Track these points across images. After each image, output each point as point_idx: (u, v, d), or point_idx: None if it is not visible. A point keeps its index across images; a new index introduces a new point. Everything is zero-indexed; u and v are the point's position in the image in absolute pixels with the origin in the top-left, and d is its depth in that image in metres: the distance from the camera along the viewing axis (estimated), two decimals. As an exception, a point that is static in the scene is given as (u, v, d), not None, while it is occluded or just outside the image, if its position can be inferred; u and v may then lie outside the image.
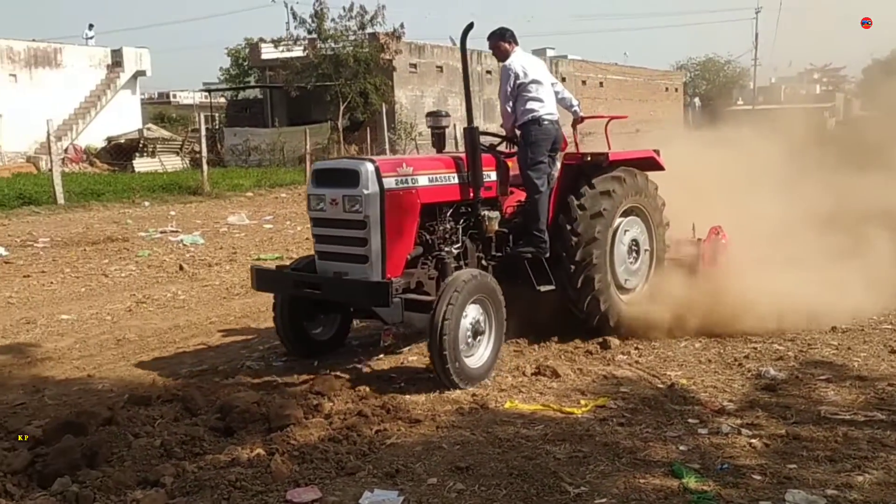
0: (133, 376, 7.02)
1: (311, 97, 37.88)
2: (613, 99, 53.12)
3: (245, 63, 48.49)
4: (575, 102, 7.93)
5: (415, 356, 7.28)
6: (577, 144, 7.90)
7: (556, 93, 7.63)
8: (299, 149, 30.66)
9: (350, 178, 6.38)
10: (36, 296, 10.54)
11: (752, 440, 5.17)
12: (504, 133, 7.69)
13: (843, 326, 7.81)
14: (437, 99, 37.50)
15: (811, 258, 8.54)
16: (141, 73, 39.30)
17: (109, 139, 35.38)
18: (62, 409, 6.08)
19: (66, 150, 32.67)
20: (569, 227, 7.30)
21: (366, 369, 6.98)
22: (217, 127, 41.98)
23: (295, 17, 36.89)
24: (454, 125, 28.06)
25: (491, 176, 7.23)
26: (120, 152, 34.47)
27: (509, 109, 7.38)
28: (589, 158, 7.55)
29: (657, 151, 8.08)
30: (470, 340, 6.39)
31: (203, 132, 26.13)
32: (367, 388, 6.29)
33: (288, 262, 8.43)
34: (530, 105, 7.29)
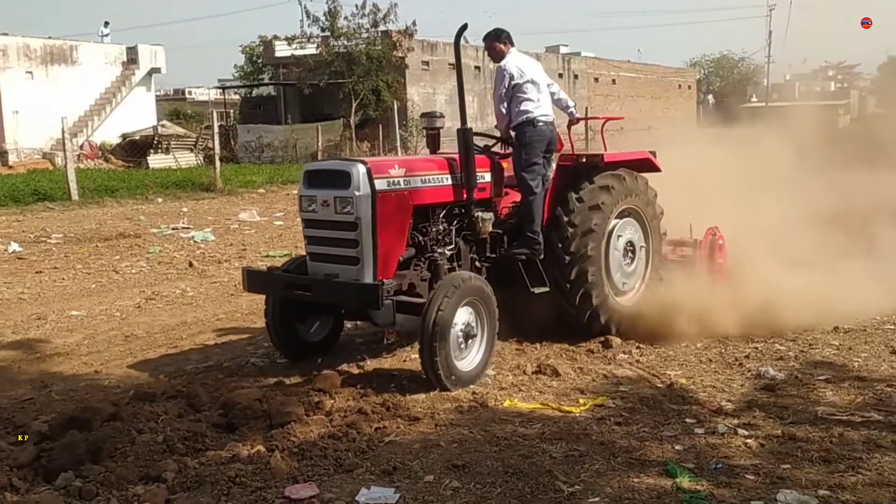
0: (139, 372, 7.11)
1: (323, 94, 38.01)
2: (626, 96, 52.91)
3: (259, 60, 48.71)
4: (571, 104, 7.92)
5: (417, 354, 7.31)
6: (572, 145, 7.89)
7: (552, 94, 7.62)
8: (312, 145, 30.83)
9: (341, 179, 6.35)
10: (47, 292, 10.66)
11: (748, 440, 5.21)
12: (498, 134, 7.68)
13: (846, 326, 7.81)
14: (449, 96, 37.47)
15: (812, 258, 8.55)
16: (156, 70, 39.46)
17: (124, 136, 35.56)
18: (68, 404, 6.15)
19: (81, 147, 32.86)
20: (566, 219, 7.26)
21: (368, 367, 7.02)
22: (231, 124, 42.15)
23: (308, 16, 37.13)
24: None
25: (485, 177, 7.21)
26: (134, 149, 34.63)
27: (504, 110, 7.36)
28: (584, 160, 7.52)
29: (654, 153, 8.05)
30: (461, 343, 6.36)
31: (216, 129, 26.26)
32: (369, 386, 6.36)
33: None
34: (525, 106, 7.27)
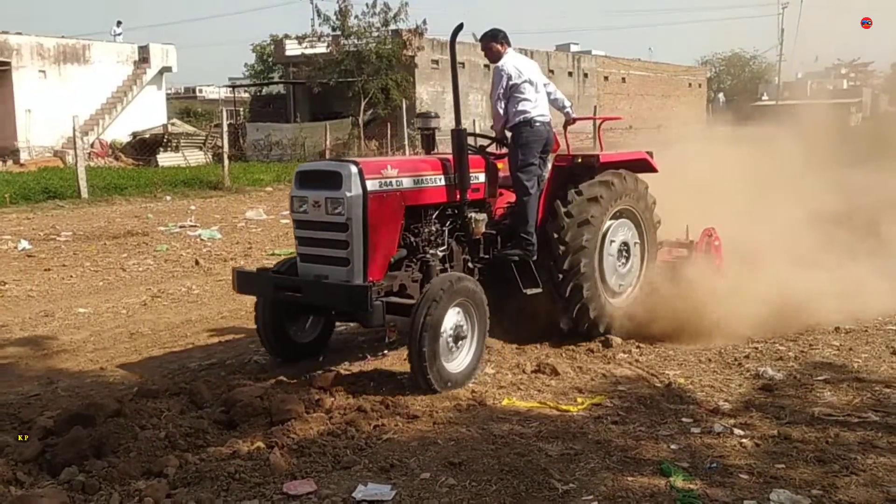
0: (144, 369, 7.17)
1: (333, 93, 38.08)
2: (636, 95, 52.82)
3: (270, 59, 48.83)
4: (567, 104, 7.90)
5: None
6: (568, 146, 7.84)
7: (549, 94, 7.60)
8: (320, 144, 30.90)
9: (333, 180, 6.32)
10: (55, 289, 10.76)
11: (744, 440, 5.24)
12: (494, 134, 7.65)
13: (847, 327, 7.83)
14: (458, 95, 37.50)
15: (819, 257, 8.55)
16: (167, 69, 39.64)
17: (134, 134, 35.73)
18: (74, 400, 6.23)
19: (91, 145, 33.05)
20: (556, 236, 7.25)
21: (369, 365, 7.08)
22: (240, 122, 42.29)
23: (319, 14, 37.24)
24: (473, 121, 28.15)
25: (479, 177, 7.18)
26: (144, 147, 34.79)
27: (501, 111, 7.33)
28: (580, 160, 7.50)
29: (650, 153, 8.02)
30: (451, 345, 6.32)
31: (225, 127, 26.35)
32: (369, 384, 6.42)
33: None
34: (522, 106, 7.25)
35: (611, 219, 7.62)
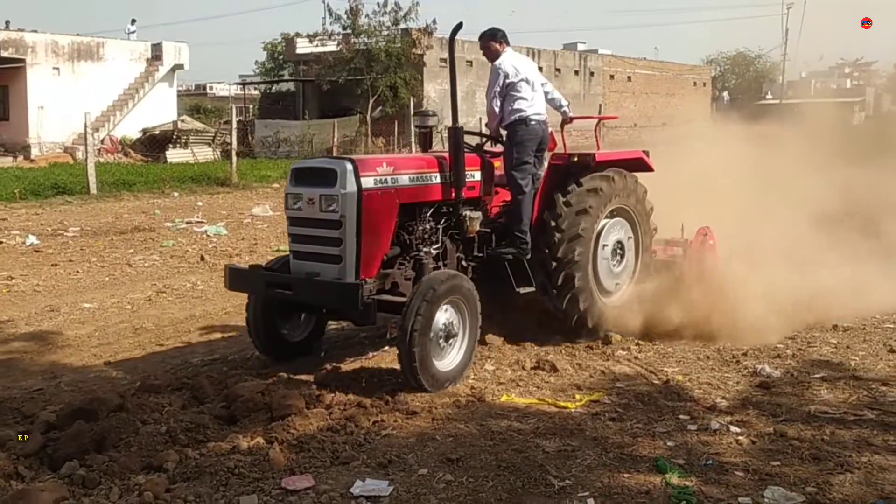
0: (147, 364, 7.22)
1: (341, 90, 38.18)
2: (641, 93, 52.80)
3: (280, 57, 48.94)
4: (564, 103, 7.89)
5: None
6: (564, 145, 7.84)
7: (546, 93, 7.61)
8: (328, 141, 30.97)
9: (328, 177, 6.29)
10: (61, 284, 10.82)
11: (740, 437, 5.27)
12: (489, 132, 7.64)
13: (845, 325, 7.84)
14: (465, 93, 37.52)
15: (817, 256, 8.55)
16: (179, 66, 39.82)
17: (144, 130, 35.91)
18: (77, 395, 6.27)
19: (102, 142, 33.21)
20: (553, 224, 7.21)
21: (370, 361, 7.11)
22: (249, 119, 42.41)
23: (331, 14, 37.39)
24: (479, 119, 28.15)
25: (474, 176, 7.16)
26: (154, 143, 34.93)
27: (496, 109, 7.33)
28: (576, 159, 7.46)
29: (647, 152, 8.01)
30: (441, 343, 6.27)
31: (234, 124, 26.42)
32: (370, 380, 6.45)
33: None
34: (518, 105, 7.25)
35: (605, 218, 7.58)
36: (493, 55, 7.43)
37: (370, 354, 7.29)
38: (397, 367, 6.82)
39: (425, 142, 7.58)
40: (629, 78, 52.50)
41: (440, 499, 4.49)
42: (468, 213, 7.03)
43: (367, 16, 37.09)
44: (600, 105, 41.87)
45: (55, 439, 5.28)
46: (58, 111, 33.15)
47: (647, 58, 57.13)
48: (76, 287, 10.67)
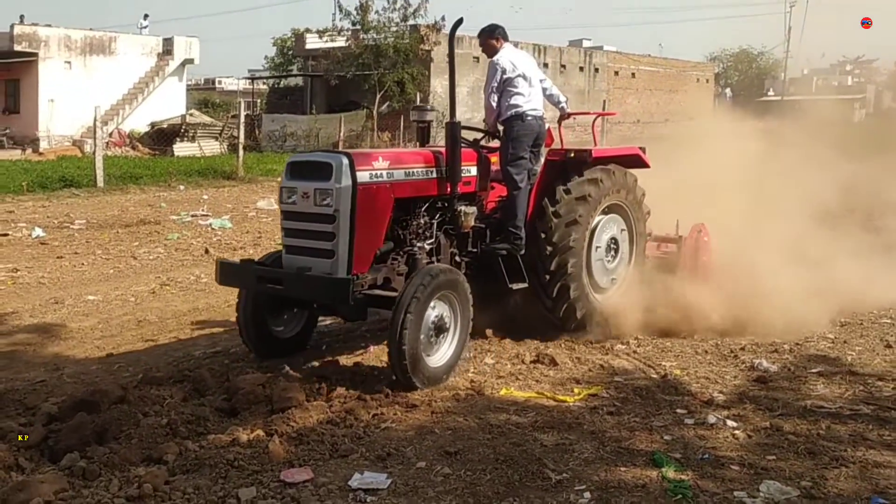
0: (149, 357, 7.27)
1: (349, 85, 38.27)
2: (644, 89, 52.73)
3: (289, 52, 48.99)
4: (562, 99, 7.89)
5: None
6: (562, 140, 7.80)
7: (544, 89, 7.60)
8: (334, 135, 31.00)
9: (323, 171, 6.23)
10: (66, 276, 10.88)
11: (736, 431, 5.29)
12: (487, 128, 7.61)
13: (842, 320, 7.85)
14: (471, 88, 37.49)
15: (813, 252, 8.55)
16: (189, 61, 39.99)
17: (153, 124, 36.03)
18: (79, 387, 6.31)
19: (110, 135, 33.31)
20: (543, 236, 7.19)
21: (371, 354, 7.14)
22: (257, 113, 42.49)
23: (341, 10, 37.48)
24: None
25: (470, 171, 7.11)
26: (161, 137, 35.02)
27: (493, 104, 7.30)
28: (572, 155, 7.42)
29: (643, 149, 7.97)
30: (432, 338, 6.21)
31: (242, 118, 26.46)
32: (370, 373, 6.46)
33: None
34: (515, 100, 7.22)
35: (600, 214, 7.56)
36: (491, 52, 7.42)
37: (371, 348, 7.32)
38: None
39: (423, 136, 7.54)
40: (633, 74, 52.42)
41: (438, 492, 4.51)
42: (463, 208, 6.98)
43: (376, 12, 37.22)
44: (604, 101, 41.77)
45: (56, 431, 5.32)
46: (68, 105, 33.36)
47: (651, 54, 57.09)
48: (81, 279, 10.73)
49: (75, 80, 34.78)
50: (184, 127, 35.08)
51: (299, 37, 44.00)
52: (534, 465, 4.78)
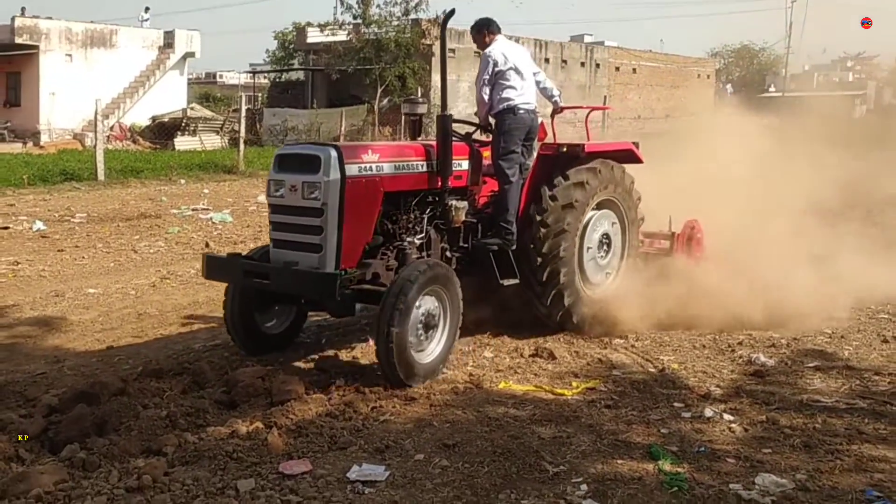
0: (149, 350, 7.29)
1: (350, 80, 38.21)
2: (645, 85, 52.65)
3: (291, 46, 48.93)
4: (556, 93, 7.78)
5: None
6: (554, 135, 7.73)
7: (538, 82, 7.51)
8: (335, 130, 30.98)
9: (311, 163, 6.10)
10: (67, 269, 10.90)
11: (733, 425, 5.32)
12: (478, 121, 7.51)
13: (840, 315, 7.86)
14: (472, 83, 37.44)
15: (809, 248, 8.58)
16: (190, 54, 39.91)
17: (154, 118, 36.01)
18: (79, 379, 6.35)
19: (111, 128, 33.30)
20: (538, 218, 7.10)
21: (370, 348, 7.07)
22: (258, 107, 42.47)
23: (342, 3, 37.37)
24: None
25: (462, 165, 7.02)
26: (162, 131, 35.00)
27: (485, 97, 7.22)
28: (565, 149, 7.34)
29: (636, 144, 7.90)
30: (421, 334, 6.12)
31: (243, 112, 26.46)
32: (370, 366, 6.48)
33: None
34: (507, 93, 7.14)
35: (590, 212, 7.47)
36: (483, 45, 7.34)
37: (371, 342, 7.32)
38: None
39: (414, 129, 7.47)
40: (634, 70, 52.33)
41: (435, 484, 4.53)
42: (454, 202, 6.89)
43: (377, 6, 37.14)
44: (605, 97, 41.74)
45: (57, 422, 5.35)
46: (69, 98, 33.29)
47: (652, 50, 57.00)
48: (81, 273, 10.75)
49: (76, 73, 34.74)
50: (185, 121, 35.06)
51: (300, 30, 43.95)
52: (531, 458, 4.81)
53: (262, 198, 18.22)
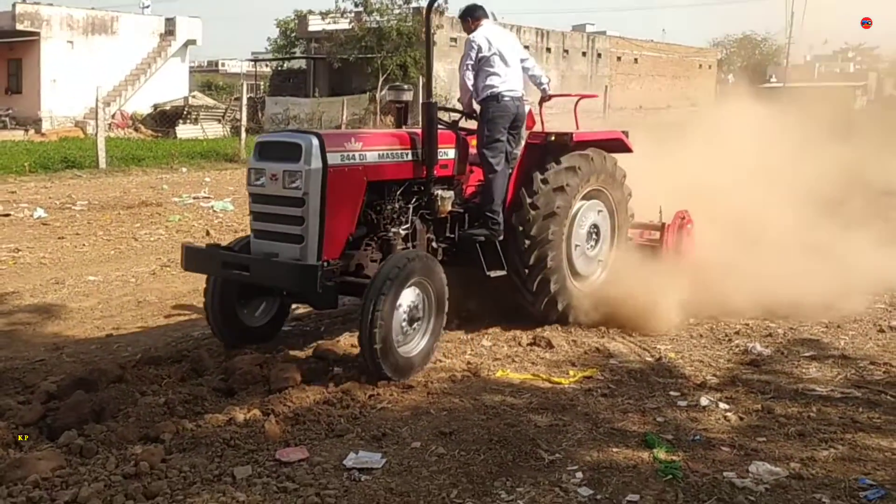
0: (148, 337, 7.32)
1: (352, 69, 38.20)
2: (647, 75, 52.54)
3: (292, 34, 48.85)
4: (544, 80, 7.63)
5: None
6: (542, 123, 7.61)
7: (526, 68, 7.36)
8: (337, 118, 30.96)
9: (292, 152, 5.92)
10: (67, 257, 10.92)
11: (728, 413, 5.35)
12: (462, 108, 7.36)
13: (836, 305, 7.84)
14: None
15: (808, 239, 8.58)
16: (192, 41, 39.84)
17: (155, 106, 35.99)
18: (78, 366, 6.37)
19: (112, 116, 33.28)
20: (528, 201, 6.96)
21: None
22: (260, 96, 42.43)
23: (344, -9, 37.27)
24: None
25: (448, 153, 6.85)
26: (164, 119, 35.00)
27: (469, 83, 7.08)
28: (553, 138, 7.16)
29: (626, 133, 7.78)
30: (405, 327, 6.00)
31: (245, 101, 26.44)
32: (367, 354, 6.50)
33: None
34: (491, 80, 6.99)
35: (580, 201, 7.36)
36: (469, 29, 7.22)
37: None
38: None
39: (399, 117, 7.35)
40: (636, 60, 52.23)
41: (432, 471, 4.56)
42: (440, 192, 6.74)
43: (379, -6, 37.05)
44: (606, 86, 41.64)
45: (55, 409, 5.37)
46: (70, 85, 33.24)
47: (653, 40, 56.86)
48: (81, 260, 10.76)
49: (77, 59, 34.66)
50: (186, 109, 35.05)
51: (302, 19, 43.86)
52: (527, 446, 4.83)
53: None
